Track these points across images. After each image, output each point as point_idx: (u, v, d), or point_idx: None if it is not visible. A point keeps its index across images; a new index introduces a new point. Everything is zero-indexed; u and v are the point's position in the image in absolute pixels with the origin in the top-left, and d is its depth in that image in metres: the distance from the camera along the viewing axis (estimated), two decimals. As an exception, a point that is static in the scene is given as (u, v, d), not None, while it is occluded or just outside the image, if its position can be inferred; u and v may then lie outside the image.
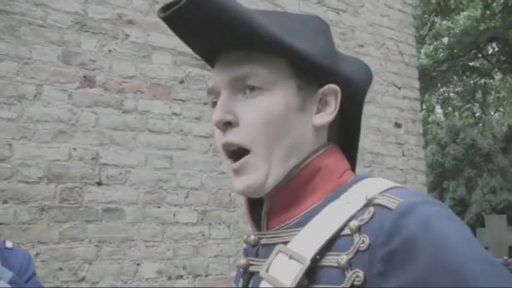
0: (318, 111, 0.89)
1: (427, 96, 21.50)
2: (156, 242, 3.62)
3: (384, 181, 0.83)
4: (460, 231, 0.71)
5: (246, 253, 0.95)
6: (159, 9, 0.87)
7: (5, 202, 3.11)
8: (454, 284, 0.66)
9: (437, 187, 17.10)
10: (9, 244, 2.10)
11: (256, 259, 0.89)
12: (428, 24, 20.43)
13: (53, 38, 3.39)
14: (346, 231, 0.76)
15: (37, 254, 3.14)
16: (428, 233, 0.69)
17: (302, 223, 0.83)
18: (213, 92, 0.91)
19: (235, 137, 0.86)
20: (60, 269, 3.23)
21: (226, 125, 0.86)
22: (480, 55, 19.00)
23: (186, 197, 3.80)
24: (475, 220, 14.88)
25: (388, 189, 0.79)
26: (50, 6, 3.41)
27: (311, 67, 0.88)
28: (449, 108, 25.00)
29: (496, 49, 19.01)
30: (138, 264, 3.53)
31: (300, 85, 0.88)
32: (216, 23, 0.83)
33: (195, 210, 3.83)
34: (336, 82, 0.89)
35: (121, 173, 3.54)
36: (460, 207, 15.85)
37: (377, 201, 0.76)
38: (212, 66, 0.94)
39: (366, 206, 0.77)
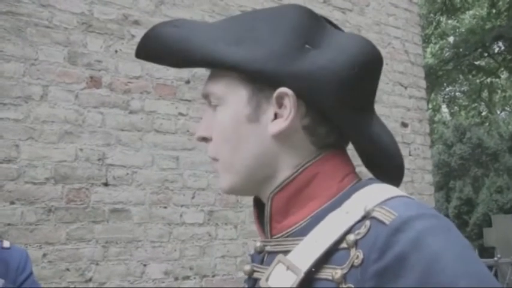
0: (279, 116, 0.85)
1: (433, 95, 21.47)
2: (162, 243, 3.62)
3: (385, 189, 0.82)
4: (452, 246, 0.71)
5: (252, 259, 0.95)
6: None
7: (12, 203, 3.12)
8: None
9: (443, 187, 17.04)
10: (6, 244, 2.05)
11: (260, 266, 0.90)
12: (434, 24, 20.38)
13: (59, 39, 3.39)
14: (344, 244, 0.76)
15: (44, 255, 3.15)
16: (419, 249, 0.69)
17: (304, 232, 0.83)
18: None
19: (210, 150, 0.93)
20: (67, 269, 3.23)
21: (205, 140, 0.93)
22: (486, 54, 18.97)
23: (193, 198, 3.80)
24: (482, 220, 14.81)
25: (387, 199, 0.78)
26: (56, 7, 3.41)
27: (254, 74, 0.84)
28: (455, 107, 24.96)
29: (502, 48, 18.96)
30: (144, 265, 3.53)
31: (252, 93, 0.86)
32: (161, 54, 0.92)
33: (202, 211, 3.83)
34: (298, 83, 0.83)
35: (127, 174, 3.54)
36: (467, 206, 15.79)
37: (374, 214, 0.76)
38: None
39: (364, 217, 0.77)
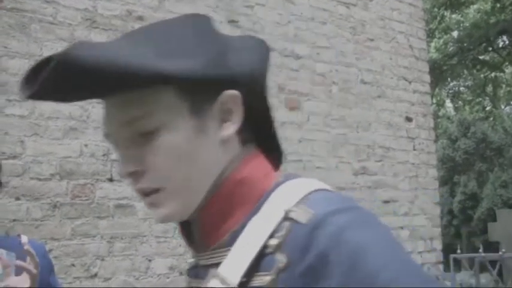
0: (224, 121, 0.83)
1: (437, 90, 21.42)
2: (167, 238, 3.63)
3: (302, 185, 0.80)
4: (374, 237, 0.71)
5: (189, 274, 0.94)
6: (21, 86, 0.82)
7: (18, 199, 3.13)
8: None
9: (448, 181, 17.02)
10: (24, 239, 1.92)
11: (195, 280, 0.89)
12: (438, 18, 20.33)
13: (63, 35, 3.40)
14: (269, 249, 0.75)
15: (49, 251, 3.15)
16: (340, 245, 0.69)
17: (231, 242, 0.80)
18: (110, 137, 0.86)
19: (148, 182, 0.81)
20: (73, 265, 3.24)
21: (134, 174, 0.81)
22: (490, 48, 18.94)
23: (197, 193, 3.81)
24: (487, 215, 14.80)
25: (306, 196, 0.77)
26: (60, 3, 3.41)
27: (197, 84, 0.80)
28: (460, 102, 24.91)
29: (507, 42, 18.93)
30: (149, 260, 3.53)
31: (192, 106, 0.81)
32: (81, 79, 0.76)
33: (206, 206, 3.83)
34: (233, 84, 0.82)
35: (132, 169, 3.54)
36: (471, 201, 15.78)
37: (291, 214, 0.74)
38: None
39: (284, 219, 0.75)
